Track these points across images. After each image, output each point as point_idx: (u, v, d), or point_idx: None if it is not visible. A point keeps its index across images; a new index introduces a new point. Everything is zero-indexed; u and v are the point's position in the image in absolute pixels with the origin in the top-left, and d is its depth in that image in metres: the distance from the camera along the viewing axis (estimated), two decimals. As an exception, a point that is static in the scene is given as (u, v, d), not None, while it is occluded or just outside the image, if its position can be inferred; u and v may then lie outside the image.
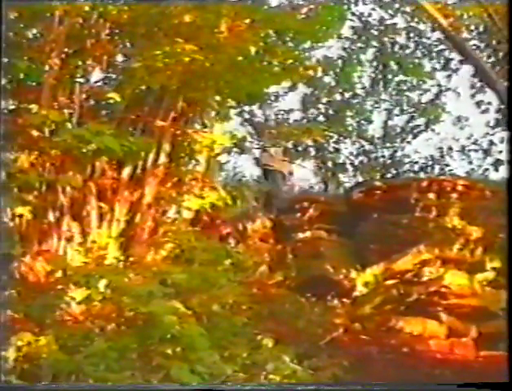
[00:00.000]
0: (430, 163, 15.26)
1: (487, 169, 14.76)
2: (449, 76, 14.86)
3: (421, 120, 15.13)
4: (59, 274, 6.81)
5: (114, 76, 8.88)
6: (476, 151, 15.21)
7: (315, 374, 6.66)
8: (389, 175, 14.75)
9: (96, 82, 8.74)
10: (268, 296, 9.15)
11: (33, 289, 6.59)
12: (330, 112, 14.03)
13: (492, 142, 14.92)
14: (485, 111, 13.97)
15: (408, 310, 9.79)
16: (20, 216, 7.48)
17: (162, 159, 8.47)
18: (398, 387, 5.39)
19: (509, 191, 5.94)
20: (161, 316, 5.36)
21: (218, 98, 8.68)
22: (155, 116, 8.50)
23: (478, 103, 14.07)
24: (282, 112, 13.15)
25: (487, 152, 14.93)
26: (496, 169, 14.69)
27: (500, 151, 14.70)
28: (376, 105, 14.95)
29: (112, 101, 8.23)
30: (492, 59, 9.12)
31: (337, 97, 13.75)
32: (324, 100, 13.44)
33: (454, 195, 10.85)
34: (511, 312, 5.21)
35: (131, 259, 7.39)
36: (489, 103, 13.51)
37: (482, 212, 10.56)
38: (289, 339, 7.57)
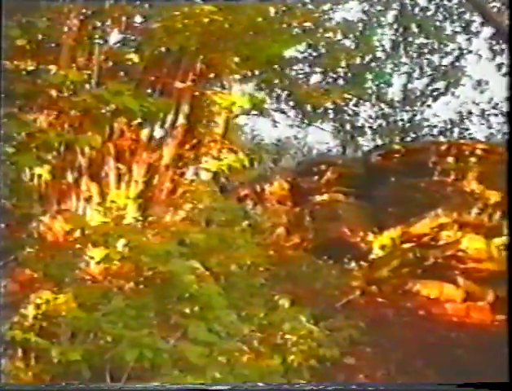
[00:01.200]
0: (450, 127, 15.16)
1: (504, 134, 14.65)
2: (470, 39, 14.73)
3: (441, 84, 14.95)
4: (77, 233, 6.85)
5: (133, 37, 8.85)
6: (496, 115, 15.11)
7: (331, 334, 6.71)
8: (408, 139, 14.67)
9: (115, 44, 8.72)
10: (285, 258, 9.21)
11: (52, 248, 6.65)
12: (350, 75, 13.95)
13: (512, 106, 14.83)
14: (506, 74, 13.81)
15: (424, 274, 9.84)
16: (39, 176, 7.54)
17: (181, 120, 8.46)
18: (398, 387, 5.41)
19: (509, 193, 5.91)
20: (179, 275, 5.39)
21: (236, 59, 8.63)
22: (174, 77, 8.47)
23: (499, 66, 13.92)
24: (301, 75, 13.07)
25: (507, 116, 14.81)
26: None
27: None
28: (396, 68, 14.85)
29: (130, 62, 8.22)
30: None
31: (357, 60, 13.62)
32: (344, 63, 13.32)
33: (473, 159, 10.81)
34: (511, 313, 5.21)
35: (150, 219, 7.42)
36: (510, 66, 13.38)
37: (500, 176, 10.52)
38: (305, 300, 7.63)
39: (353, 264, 10.07)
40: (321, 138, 15.21)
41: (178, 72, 8.50)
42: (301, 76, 12.53)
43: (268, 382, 5.22)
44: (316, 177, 11.38)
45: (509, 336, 5.12)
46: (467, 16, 14.51)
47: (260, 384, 5.46)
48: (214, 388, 4.95)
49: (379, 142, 14.36)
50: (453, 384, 4.88)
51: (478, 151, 10.90)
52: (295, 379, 5.72)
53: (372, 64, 14.19)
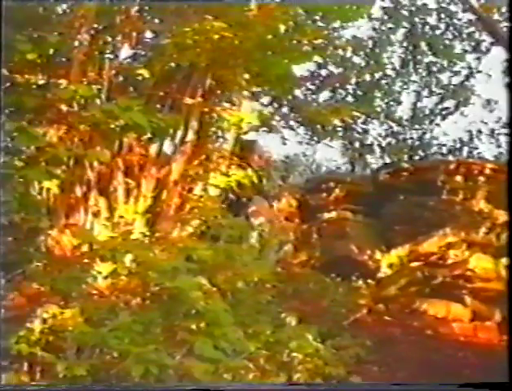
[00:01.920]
0: (459, 146, 15.18)
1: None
2: (479, 58, 14.76)
3: (450, 103, 15.01)
4: (85, 248, 6.86)
5: (143, 52, 8.89)
6: (506, 134, 15.11)
7: (338, 353, 6.69)
8: (416, 157, 14.69)
9: (125, 59, 8.76)
10: (293, 275, 9.20)
11: (60, 262, 6.65)
12: (359, 92, 13.99)
13: (520, 126, 14.85)
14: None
15: (432, 293, 9.81)
16: (48, 190, 7.56)
17: (190, 136, 8.48)
18: (398, 387, 5.39)
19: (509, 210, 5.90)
20: (186, 291, 5.39)
21: (246, 76, 8.66)
22: (183, 93, 8.50)
23: (509, 86, 13.93)
24: (310, 92, 13.12)
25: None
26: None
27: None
28: (405, 86, 14.88)
29: (140, 77, 8.25)
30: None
31: (367, 77, 13.67)
32: (353, 81, 13.37)
33: (482, 179, 10.79)
34: (511, 314, 5.19)
35: (157, 235, 7.42)
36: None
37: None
38: (312, 318, 7.61)
39: (360, 282, 10.06)
40: (330, 155, 15.25)
41: (188, 88, 8.53)
42: (310, 93, 12.62)
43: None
44: (324, 195, 11.38)
45: (509, 336, 5.09)
46: (477, 35, 14.54)
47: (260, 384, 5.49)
48: (214, 388, 4.96)
49: (388, 160, 14.39)
50: (454, 384, 4.88)
51: (487, 171, 10.88)
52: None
53: (382, 82, 14.25)
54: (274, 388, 5.49)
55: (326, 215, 11.08)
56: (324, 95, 13.65)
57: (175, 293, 5.45)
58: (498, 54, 13.23)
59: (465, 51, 14.74)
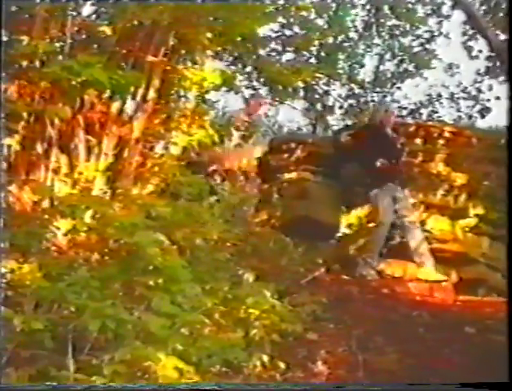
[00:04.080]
0: (419, 109, 15.35)
1: (471, 117, 14.89)
2: (441, 22, 14.87)
3: (411, 66, 15.15)
4: (45, 204, 6.88)
5: (105, 10, 8.84)
6: (465, 98, 15.30)
7: (294, 310, 6.81)
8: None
9: (88, 16, 8.71)
10: (252, 234, 9.28)
11: (19, 218, 6.66)
12: (322, 54, 14.03)
13: (480, 90, 15.04)
14: (475, 58, 13.97)
15: (390, 253, 9.95)
16: (9, 146, 7.53)
17: (151, 94, 8.47)
18: (398, 387, 5.51)
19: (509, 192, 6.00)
20: (144, 247, 5.45)
21: (209, 35, 8.65)
22: (146, 51, 8.47)
23: (469, 50, 14.06)
24: (274, 53, 13.14)
25: (475, 100, 15.04)
26: (483, 117, 14.83)
27: (488, 99, 14.86)
28: (368, 49, 14.96)
29: (103, 35, 8.21)
30: (485, 7, 9.07)
31: (330, 40, 13.71)
32: (317, 43, 13.40)
33: (441, 142, 10.90)
34: (511, 312, 5.29)
35: (117, 192, 7.46)
36: (480, 51, 13.53)
37: (467, 159, 10.68)
38: (271, 276, 7.71)
39: (320, 242, 10.18)
40: (292, 116, 15.32)
41: (151, 46, 8.50)
42: (273, 54, 12.64)
43: (229, 354, 5.31)
44: (286, 155, 11.42)
45: (509, 336, 5.20)
46: (438, -1, 14.66)
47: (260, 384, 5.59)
48: (214, 388, 5.05)
49: (349, 122, 14.50)
50: (454, 384, 4.98)
51: (446, 134, 10.97)
52: (256, 352, 5.81)
53: (345, 44, 14.30)
54: (274, 388, 5.59)
55: (287, 175, 11.13)
56: (288, 56, 13.71)
57: (134, 249, 5.52)
58: (458, 18, 13.37)
59: (427, 15, 14.84)
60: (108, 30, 8.10)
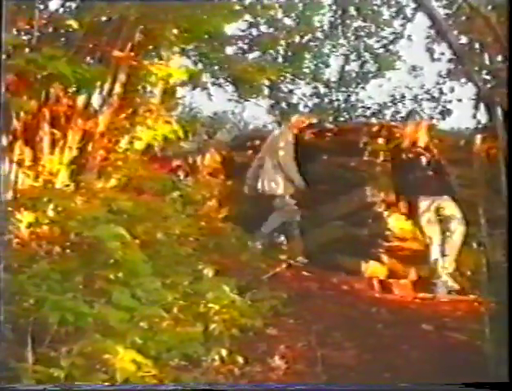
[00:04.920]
0: (382, 109, 15.51)
1: (432, 118, 15.07)
2: (405, 24, 15.05)
3: (376, 67, 15.30)
4: (8, 196, 6.90)
5: (73, 4, 8.86)
6: (428, 100, 15.49)
7: (254, 305, 6.88)
8: (341, 119, 14.94)
9: (56, 10, 8.72)
10: (215, 230, 9.34)
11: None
12: (289, 53, 14.13)
13: (441, 92, 15.25)
14: (437, 60, 14.14)
15: (351, 250, 10.05)
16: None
17: (117, 89, 8.51)
18: (398, 387, 5.59)
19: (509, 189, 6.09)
20: (104, 241, 5.50)
21: (176, 31, 8.70)
22: (113, 46, 8.50)
23: (431, 53, 14.22)
24: (242, 51, 13.20)
25: (437, 101, 15.24)
26: (444, 118, 15.05)
27: (450, 101, 15.07)
28: (334, 49, 15.10)
29: (70, 28, 8.22)
30: (447, 11, 9.21)
31: (297, 39, 13.81)
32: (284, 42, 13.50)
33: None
34: (511, 313, 5.38)
35: (80, 185, 7.49)
36: (442, 54, 13.71)
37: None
38: (232, 271, 7.78)
39: (282, 238, 10.26)
40: (258, 114, 15.39)
41: (118, 41, 8.53)
42: (240, 52, 12.72)
43: (188, 348, 5.37)
44: (250, 152, 11.48)
45: (509, 336, 5.28)
46: (403, 1, 14.83)
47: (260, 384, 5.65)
48: (213, 388, 5.08)
49: (314, 120, 14.58)
50: (454, 384, 5.05)
51: (408, 134, 11.06)
52: (215, 346, 5.88)
53: (312, 44, 14.40)
54: (274, 388, 5.64)
55: (251, 172, 11.19)
56: (255, 55, 13.78)
57: (94, 243, 5.57)
58: (423, 20, 13.49)
59: (393, 17, 14.99)
60: (75, 24, 8.11)
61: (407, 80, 15.74)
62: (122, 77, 8.55)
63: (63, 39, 8.58)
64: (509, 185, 5.99)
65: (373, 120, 14.77)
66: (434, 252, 9.42)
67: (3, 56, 7.34)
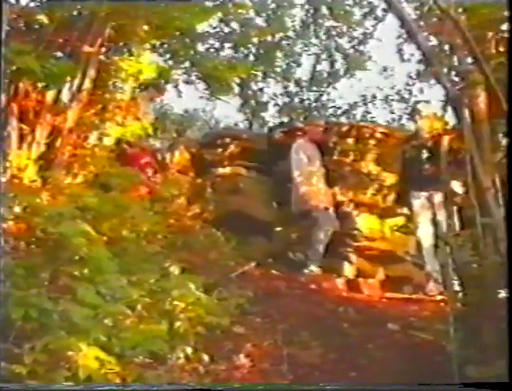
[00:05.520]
0: (353, 109, 15.56)
1: (401, 118, 15.17)
2: (376, 25, 15.13)
3: (347, 67, 15.35)
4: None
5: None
6: (398, 101, 15.57)
7: (221, 303, 6.87)
8: (312, 118, 14.96)
9: (27, 4, 8.68)
10: (184, 228, 9.32)
11: None
12: (261, 51, 14.13)
13: (411, 93, 15.35)
14: (407, 61, 14.22)
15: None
16: None
17: (87, 85, 8.47)
18: (399, 387, 5.60)
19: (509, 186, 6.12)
20: (69, 237, 5.47)
21: (146, 28, 8.68)
22: (83, 41, 8.47)
23: (401, 54, 14.30)
24: (213, 49, 13.19)
25: (406, 102, 15.33)
26: (413, 119, 15.10)
27: (418, 102, 15.12)
28: (305, 48, 15.14)
29: (40, 23, 8.18)
30: (418, 12, 9.24)
31: (268, 38, 13.82)
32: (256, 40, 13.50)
33: (372, 142, 11.06)
34: (511, 312, 5.41)
35: (47, 181, 7.45)
36: (412, 55, 13.78)
37: (397, 159, 10.82)
38: (200, 269, 7.76)
39: (251, 237, 10.26)
40: (228, 112, 15.37)
41: (88, 36, 8.50)
42: (212, 50, 12.72)
43: (151, 346, 5.34)
44: (220, 150, 11.47)
45: (509, 335, 5.31)
46: (375, 2, 14.89)
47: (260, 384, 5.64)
48: (213, 388, 5.05)
49: (285, 119, 14.63)
50: (455, 383, 5.06)
51: (378, 134, 11.13)
52: (180, 344, 5.87)
53: (283, 43, 14.42)
54: (273, 388, 5.62)
55: (220, 170, 11.20)
56: (228, 53, 13.78)
57: (60, 239, 5.54)
58: (393, 21, 13.55)
59: (364, 17, 15.04)
60: (45, 19, 8.07)
61: (378, 80, 15.85)
62: (92, 73, 8.53)
63: (33, 34, 8.54)
64: (510, 184, 6.03)
65: (344, 119, 14.82)
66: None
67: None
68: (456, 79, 7.74)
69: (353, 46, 15.20)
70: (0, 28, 5.83)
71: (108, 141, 8.52)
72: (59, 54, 8.52)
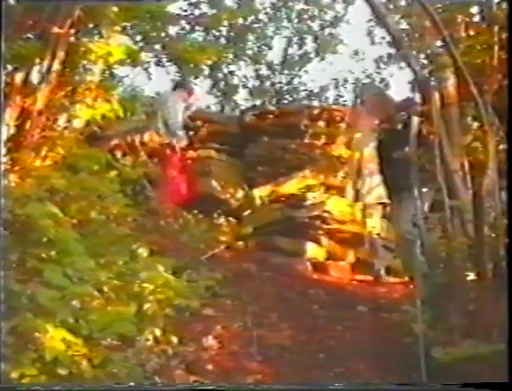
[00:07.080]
0: (324, 92, 15.61)
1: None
2: (347, 8, 15.16)
3: (318, 50, 15.37)
4: None
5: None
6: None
7: (190, 285, 6.89)
8: (284, 101, 15.01)
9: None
10: (153, 210, 9.32)
11: None
12: (232, 34, 14.14)
13: (381, 76, 15.42)
14: (378, 44, 14.24)
15: (290, 232, 10.10)
16: None
17: (56, 66, 8.40)
18: (399, 387, 5.63)
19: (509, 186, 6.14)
20: (36, 219, 5.45)
21: (116, 9, 8.62)
22: (52, 22, 8.39)
23: (372, 37, 14.33)
24: (183, 32, 13.15)
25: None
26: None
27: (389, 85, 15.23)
28: (277, 31, 15.14)
29: (8, 4, 8.09)
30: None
31: (240, 21, 13.82)
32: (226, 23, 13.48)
33: (343, 125, 11.10)
34: (511, 312, 5.45)
35: (16, 163, 7.40)
36: (383, 38, 13.80)
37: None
38: (170, 252, 7.78)
39: (222, 219, 10.27)
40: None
41: (57, 17, 8.42)
42: (182, 32, 12.68)
43: (119, 328, 5.34)
44: (191, 133, 11.46)
45: (509, 335, 5.34)
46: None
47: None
48: (213, 388, 5.04)
49: (257, 102, 14.65)
50: (455, 383, 5.09)
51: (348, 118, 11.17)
52: (149, 326, 5.88)
53: (255, 26, 14.42)
54: (273, 388, 5.62)
55: (191, 152, 11.19)
56: (199, 35, 13.76)
57: (27, 221, 5.51)
58: (363, 4, 13.56)
59: (334, 0, 15.08)
60: (12, 0, 7.99)
61: (349, 64, 15.90)
62: (61, 55, 8.43)
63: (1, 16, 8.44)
64: (510, 185, 6.07)
65: (316, 103, 14.86)
66: None
67: None
68: (425, 62, 7.79)
69: (323, 28, 15.25)
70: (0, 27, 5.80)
71: (78, 123, 8.46)
72: (29, 35, 8.44)
